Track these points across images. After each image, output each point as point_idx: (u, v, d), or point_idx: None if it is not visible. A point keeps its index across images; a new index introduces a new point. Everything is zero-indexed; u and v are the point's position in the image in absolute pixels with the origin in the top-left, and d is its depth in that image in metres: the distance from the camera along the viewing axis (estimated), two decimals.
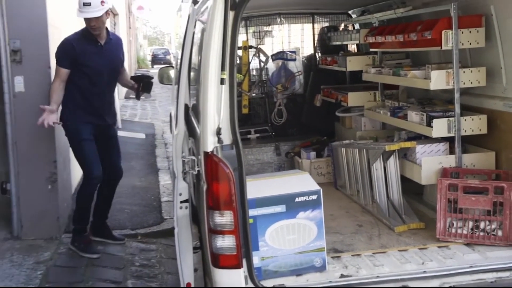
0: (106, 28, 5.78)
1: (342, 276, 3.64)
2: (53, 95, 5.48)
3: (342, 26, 7.18)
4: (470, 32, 4.37)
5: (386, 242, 4.27)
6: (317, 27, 7.39)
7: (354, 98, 5.93)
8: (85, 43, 5.60)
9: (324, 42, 7.12)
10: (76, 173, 7.88)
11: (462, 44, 4.37)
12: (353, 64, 6.06)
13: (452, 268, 3.67)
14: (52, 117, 5.33)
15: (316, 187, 3.73)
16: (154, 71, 33.38)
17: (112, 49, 5.82)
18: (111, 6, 5.56)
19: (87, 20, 5.52)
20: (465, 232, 4.08)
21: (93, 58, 5.61)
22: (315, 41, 7.35)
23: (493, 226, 4.01)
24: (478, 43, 4.40)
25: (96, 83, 5.64)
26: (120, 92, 17.76)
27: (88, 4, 5.38)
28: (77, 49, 5.54)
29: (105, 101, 5.85)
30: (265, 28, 7.46)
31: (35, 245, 5.75)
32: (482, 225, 4.04)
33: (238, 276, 3.34)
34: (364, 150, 5.09)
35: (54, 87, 5.52)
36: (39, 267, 5.43)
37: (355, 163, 5.30)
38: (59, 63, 5.57)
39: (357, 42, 6.41)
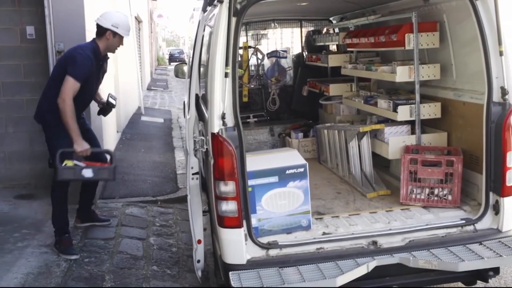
0: None
1: (324, 233, 3.67)
2: (73, 118, 4.51)
3: (325, 30, 7.12)
4: (427, 35, 4.36)
5: (359, 206, 4.30)
6: (304, 30, 7.35)
7: (334, 89, 5.91)
8: (96, 63, 4.76)
9: (310, 43, 7.08)
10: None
11: (421, 45, 4.36)
12: (333, 61, 6.03)
13: (412, 226, 3.71)
14: (86, 147, 4.53)
15: (303, 161, 3.74)
16: (170, 67, 33.29)
17: (105, 65, 5.07)
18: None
19: (121, 41, 4.90)
20: (422, 197, 4.12)
21: (95, 76, 4.84)
22: (303, 42, 7.31)
23: (444, 192, 4.04)
24: (434, 44, 4.39)
25: (91, 94, 4.98)
26: (144, 84, 17.70)
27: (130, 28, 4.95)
28: (92, 69, 4.70)
29: (88, 104, 5.19)
30: (262, 32, 7.42)
31: (76, 209, 5.76)
32: (436, 191, 4.07)
33: (239, 234, 3.37)
34: (342, 131, 5.10)
35: (70, 107, 4.47)
36: (79, 227, 5.45)
37: (335, 142, 5.30)
38: (78, 78, 4.53)
39: (337, 43, 6.38)
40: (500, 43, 3.52)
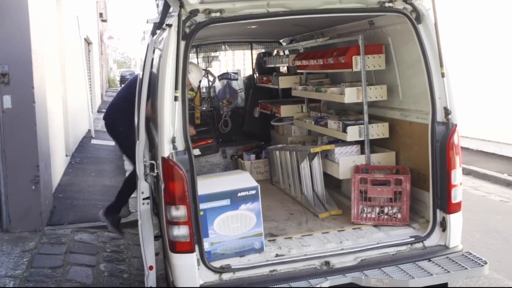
0: None
1: (277, 255, 3.67)
2: None
3: (275, 52, 7.21)
4: (374, 57, 4.47)
5: (312, 227, 4.32)
6: (255, 52, 7.40)
7: (285, 110, 5.96)
8: None
9: (260, 65, 7.13)
10: (56, 176, 7.69)
11: (368, 67, 4.46)
12: (284, 82, 6.09)
13: (363, 245, 3.75)
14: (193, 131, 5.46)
15: (254, 183, 3.74)
16: None
17: None
18: None
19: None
20: (373, 216, 4.18)
21: None
22: (254, 64, 7.37)
23: (394, 210, 4.11)
24: (380, 66, 4.50)
25: None
26: (94, 106, 17.37)
27: None
28: None
29: None
30: (213, 54, 7.42)
31: (22, 236, 5.57)
32: (386, 210, 4.14)
33: (191, 259, 3.33)
34: (294, 152, 5.13)
35: None
36: (25, 255, 5.25)
37: (287, 162, 5.33)
38: None
39: (287, 64, 6.46)
40: (441, 65, 3.65)
